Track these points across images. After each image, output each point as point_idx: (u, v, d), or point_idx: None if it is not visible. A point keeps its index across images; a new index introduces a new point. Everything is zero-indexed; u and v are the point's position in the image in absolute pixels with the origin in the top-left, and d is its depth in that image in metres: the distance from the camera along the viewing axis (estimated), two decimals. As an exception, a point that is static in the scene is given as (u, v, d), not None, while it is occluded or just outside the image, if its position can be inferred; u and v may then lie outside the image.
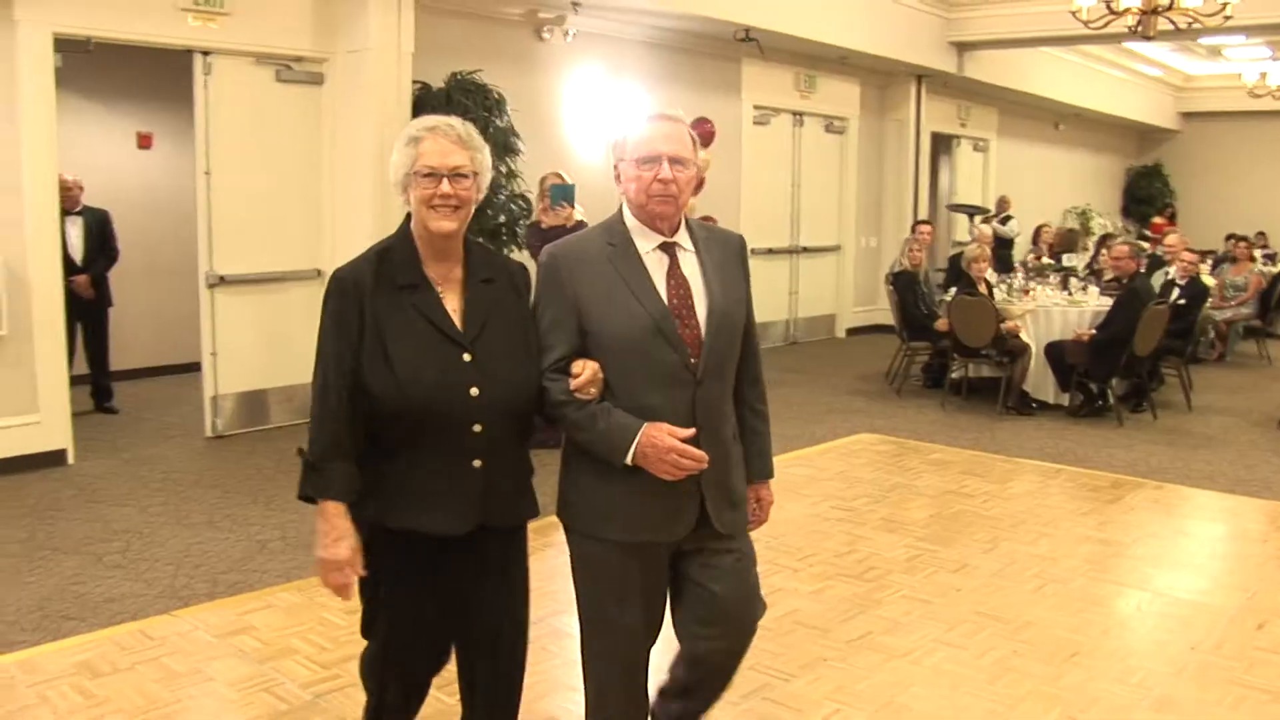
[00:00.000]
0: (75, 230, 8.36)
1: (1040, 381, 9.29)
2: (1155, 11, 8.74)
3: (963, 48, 13.69)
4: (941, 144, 16.29)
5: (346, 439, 2.53)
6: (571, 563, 2.78)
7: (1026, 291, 9.80)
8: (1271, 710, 3.76)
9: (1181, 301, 9.71)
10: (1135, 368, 8.94)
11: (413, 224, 2.65)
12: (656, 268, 2.67)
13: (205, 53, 7.63)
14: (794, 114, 13.04)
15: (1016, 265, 11.95)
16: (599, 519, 2.70)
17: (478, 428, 2.55)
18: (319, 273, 8.09)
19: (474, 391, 2.54)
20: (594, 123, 10.30)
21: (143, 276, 9.81)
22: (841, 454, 7.68)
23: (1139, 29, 9.02)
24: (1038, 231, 13.94)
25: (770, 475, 2.96)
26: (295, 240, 8.15)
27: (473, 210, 2.64)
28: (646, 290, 2.64)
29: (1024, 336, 9.17)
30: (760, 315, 11.64)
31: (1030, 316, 9.29)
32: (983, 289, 9.29)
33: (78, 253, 8.34)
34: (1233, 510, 6.45)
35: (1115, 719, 3.71)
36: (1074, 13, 9.12)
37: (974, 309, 9.04)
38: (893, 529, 5.88)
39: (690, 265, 2.71)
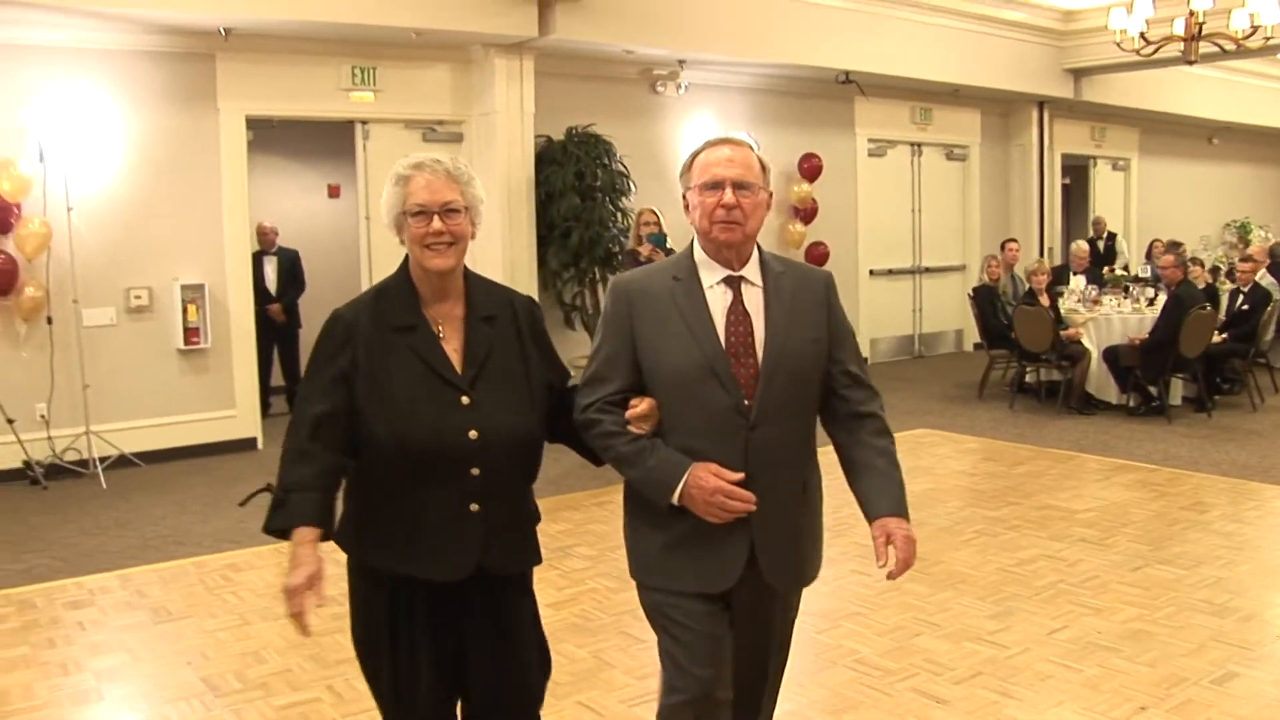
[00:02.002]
0: (271, 267, 10.43)
1: (1103, 384, 10.17)
2: (1195, 38, 9.55)
3: (1079, 74, 14.42)
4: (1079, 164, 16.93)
5: (316, 472, 2.47)
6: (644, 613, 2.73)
7: (1096, 301, 10.67)
8: None
9: (1245, 307, 10.40)
10: (1185, 368, 9.74)
11: (410, 264, 2.62)
12: (718, 303, 2.59)
13: (364, 122, 9.54)
14: (912, 145, 14.14)
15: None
16: (650, 568, 2.66)
17: (475, 471, 2.50)
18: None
19: (473, 435, 2.49)
20: (708, 162, 11.75)
21: (331, 303, 11.75)
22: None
23: (1185, 54, 9.83)
24: (1151, 246, 14.52)
25: (896, 510, 2.64)
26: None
27: (468, 245, 2.60)
28: (703, 327, 2.56)
29: (1085, 342, 10.09)
30: (883, 331, 13.30)
31: (1092, 324, 10.20)
32: (1044, 300, 10.26)
33: (273, 285, 10.40)
34: (1197, 485, 7.35)
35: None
36: (1118, 43, 10.01)
37: (1033, 317, 10.05)
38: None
39: (755, 301, 2.60)
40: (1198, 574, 5.49)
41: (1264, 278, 11.26)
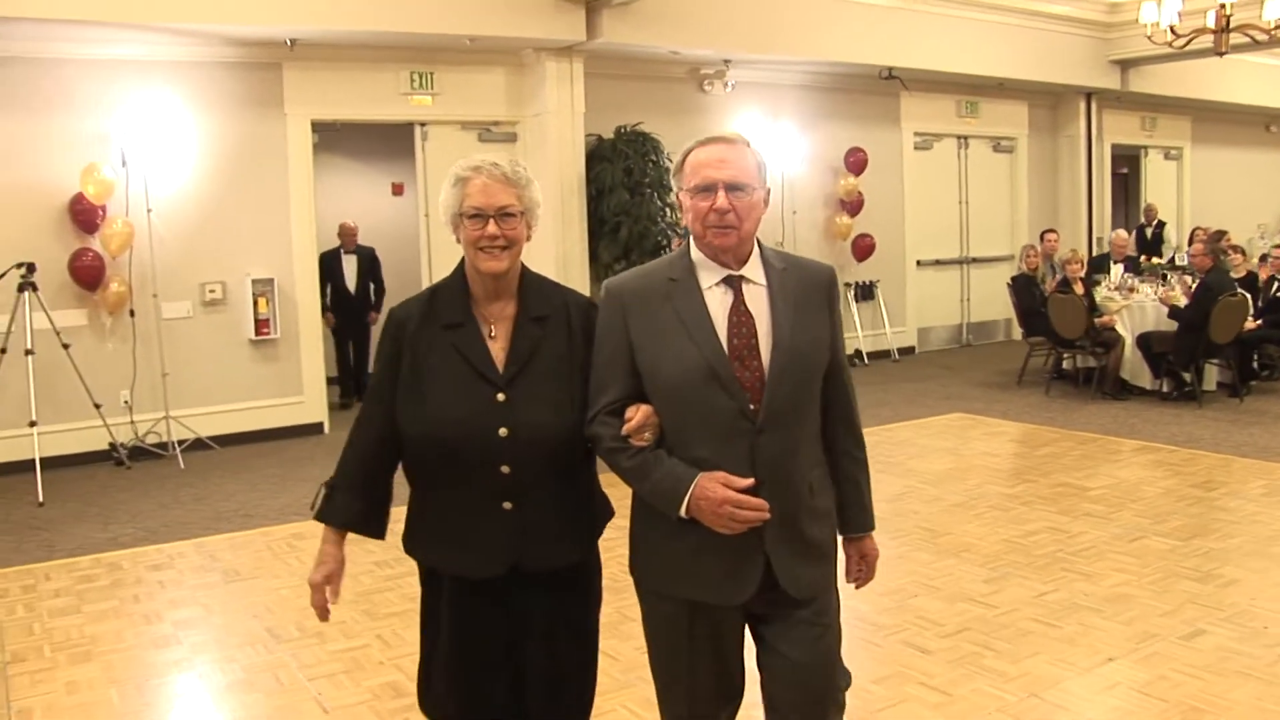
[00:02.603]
0: (351, 265, 10.99)
1: (1137, 370, 10.42)
2: (1225, 30, 9.77)
3: (1125, 65, 14.57)
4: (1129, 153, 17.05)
5: (359, 473, 2.64)
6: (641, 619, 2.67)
7: (1132, 290, 10.92)
8: None
9: (1279, 294, 10.59)
10: (1217, 354, 9.98)
11: (465, 263, 2.65)
12: (719, 304, 2.48)
13: (422, 124, 10.09)
14: (958, 137, 14.41)
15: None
16: (659, 575, 2.57)
17: (506, 469, 2.52)
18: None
19: (503, 432, 2.50)
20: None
21: (396, 296, 12.40)
22: (918, 427, 9.25)
23: (1216, 46, 10.04)
24: (1192, 235, 14.65)
25: (870, 528, 2.71)
26: (496, 264, 10.45)
27: (523, 248, 2.62)
28: (703, 329, 2.46)
29: (1119, 329, 10.36)
30: (931, 320, 13.65)
31: (1126, 311, 10.46)
32: (1078, 288, 10.54)
33: (352, 283, 10.94)
34: (1211, 465, 7.64)
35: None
36: (1149, 36, 10.25)
37: (1066, 305, 10.34)
38: (901, 472, 7.52)
39: (758, 300, 2.50)
40: (1191, 545, 5.83)
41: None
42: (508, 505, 2.53)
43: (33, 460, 7.67)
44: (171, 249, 8.86)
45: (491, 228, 2.53)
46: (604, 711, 3.78)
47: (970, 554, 5.80)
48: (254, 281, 9.21)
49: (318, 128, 9.60)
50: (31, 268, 8.02)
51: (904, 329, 13.78)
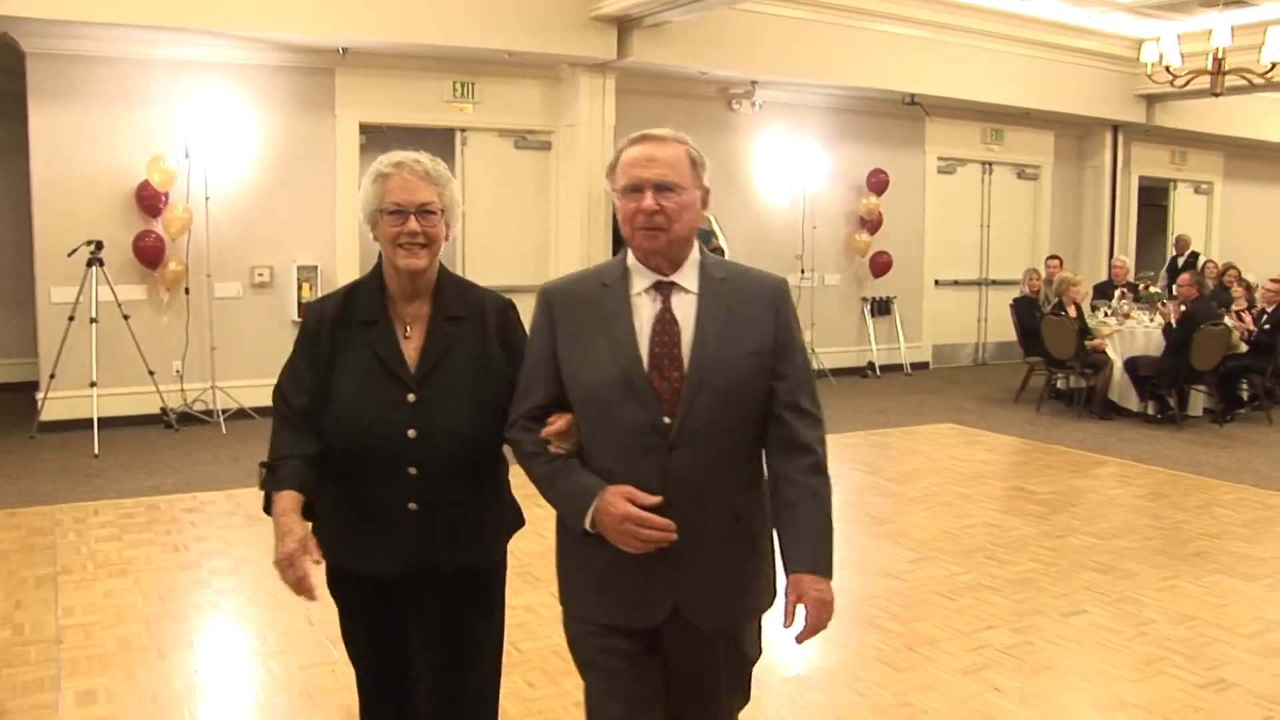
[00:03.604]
0: None
1: (1125, 392, 10.97)
2: (1219, 73, 10.30)
3: (1151, 99, 15.04)
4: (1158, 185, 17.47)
5: (295, 441, 2.57)
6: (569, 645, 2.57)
7: (1128, 315, 11.45)
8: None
9: (1267, 326, 11.08)
10: (1200, 381, 10.52)
11: (383, 262, 2.65)
12: (645, 310, 2.40)
13: (463, 130, 10.91)
14: (982, 163, 14.98)
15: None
16: (575, 595, 2.50)
17: (413, 470, 2.51)
18: (537, 286, 11.23)
19: (411, 433, 2.50)
20: (780, 177, 12.81)
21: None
22: (905, 434, 9.90)
23: (1212, 87, 10.58)
24: (1202, 267, 15.09)
25: (811, 565, 2.39)
26: (528, 261, 11.18)
27: (442, 247, 2.62)
28: (623, 336, 2.37)
29: (1110, 352, 10.92)
30: (947, 338, 14.16)
31: (1117, 336, 11.01)
32: (1072, 311, 11.11)
33: None
34: (1162, 480, 8.21)
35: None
36: (1149, 75, 10.81)
37: (1059, 327, 10.93)
38: (870, 470, 8.19)
39: (686, 309, 2.40)
40: (1109, 544, 6.45)
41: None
42: (413, 506, 2.54)
43: (91, 418, 8.58)
44: (226, 234, 9.75)
45: (411, 224, 2.54)
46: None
47: (904, 539, 6.47)
48: (299, 268, 10.08)
49: (365, 129, 10.45)
50: (100, 245, 8.92)
51: (919, 344, 14.37)
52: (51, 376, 8.90)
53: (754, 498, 2.47)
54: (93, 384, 8.72)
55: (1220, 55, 10.13)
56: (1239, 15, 12.15)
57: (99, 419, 8.59)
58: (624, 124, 11.21)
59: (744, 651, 2.57)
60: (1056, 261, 12.94)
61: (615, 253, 8.84)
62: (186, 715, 4.05)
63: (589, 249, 11.04)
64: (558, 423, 2.40)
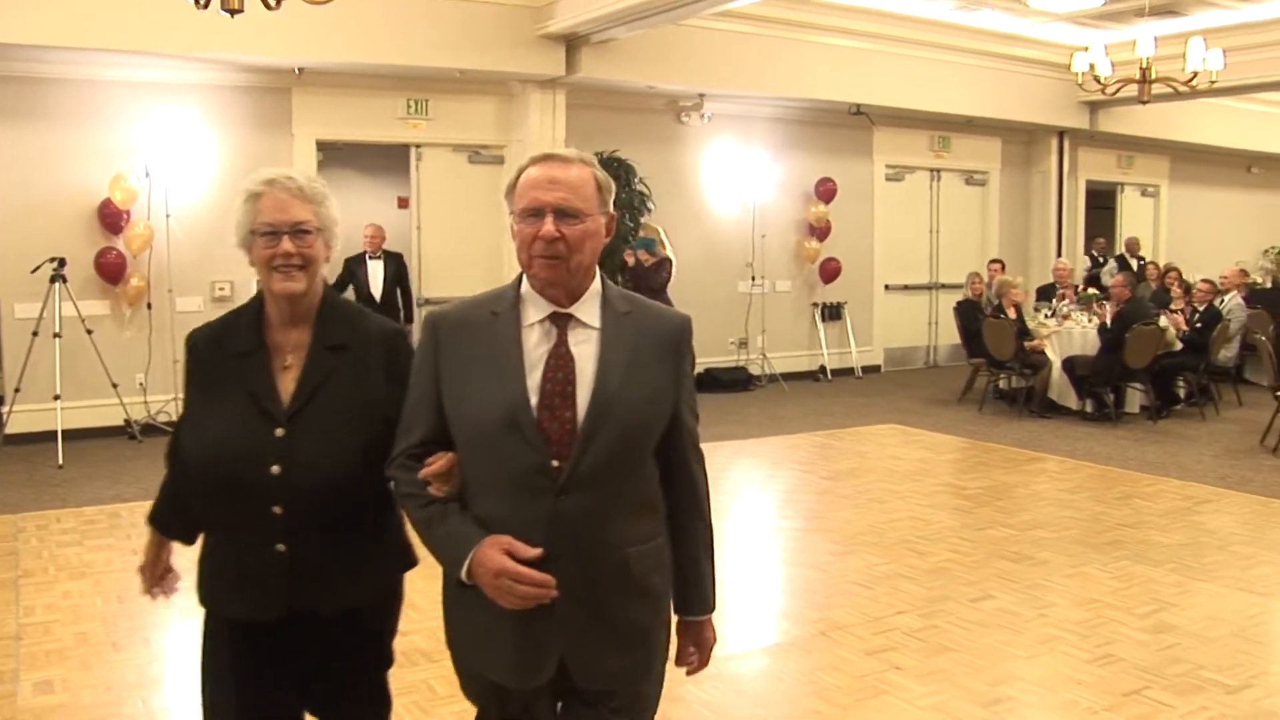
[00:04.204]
0: (376, 270, 11.50)
1: (1064, 391, 11.36)
2: (1147, 81, 10.70)
3: (1094, 106, 15.46)
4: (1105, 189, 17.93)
5: (176, 481, 2.57)
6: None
7: (1067, 316, 11.85)
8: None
9: (1199, 325, 11.50)
10: (1134, 379, 10.92)
11: (262, 287, 2.49)
12: (539, 344, 2.24)
13: (417, 145, 11.23)
14: (931, 171, 15.38)
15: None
16: (457, 644, 2.37)
17: (278, 509, 2.36)
18: (493, 296, 11.53)
19: (275, 470, 2.35)
20: (730, 186, 13.15)
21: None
22: (847, 435, 10.25)
23: (1139, 95, 10.99)
24: (1144, 268, 15.54)
25: (708, 611, 2.42)
26: (480, 272, 11.47)
27: (321, 268, 2.47)
28: (511, 370, 2.21)
29: (1048, 353, 11.31)
30: (898, 341, 14.52)
31: (1056, 336, 11.40)
32: (1011, 313, 11.50)
33: (378, 289, 11.03)
34: (1089, 474, 8.59)
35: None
36: (1080, 84, 11.24)
37: (998, 329, 11.32)
38: (806, 469, 8.54)
39: (584, 344, 2.24)
40: (1028, 535, 6.80)
41: (1233, 298, 12.32)
42: (281, 547, 2.38)
43: (55, 430, 8.84)
44: (186, 250, 10.02)
45: (286, 244, 2.38)
46: None
47: (831, 534, 6.81)
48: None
49: (322, 146, 10.75)
50: (62, 262, 9.19)
51: (870, 348, 14.75)
52: (16, 390, 9.15)
53: (651, 548, 2.31)
54: (56, 397, 8.97)
55: (1144, 65, 10.52)
56: (1170, 25, 12.63)
57: (63, 431, 8.85)
58: (574, 137, 11.54)
59: (642, 712, 2.40)
60: (999, 265, 13.35)
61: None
62: (140, 704, 4.34)
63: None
64: (437, 462, 2.24)
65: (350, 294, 10.78)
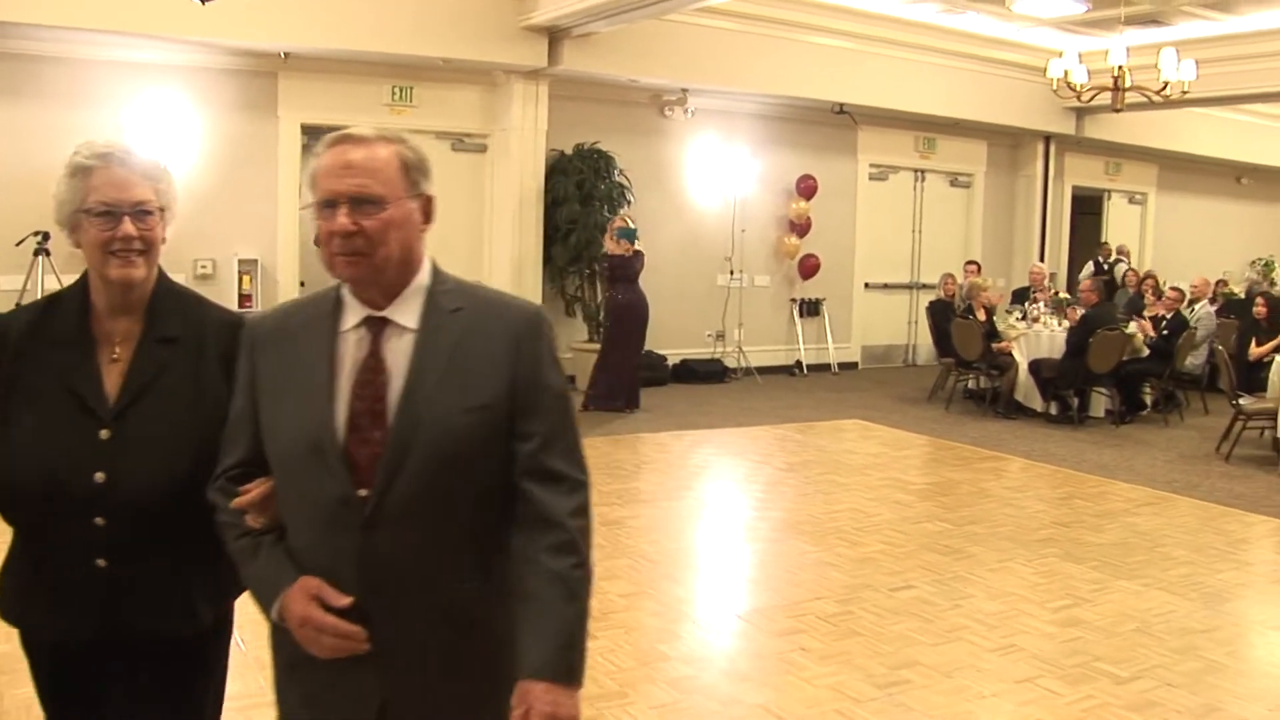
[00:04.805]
0: None
1: (1030, 393, 11.55)
2: (1120, 89, 10.87)
3: (1081, 111, 15.60)
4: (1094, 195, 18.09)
5: None
6: None
7: (1036, 319, 12.03)
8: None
9: (1166, 332, 11.67)
10: (1099, 382, 11.11)
11: (90, 272, 2.22)
12: (351, 353, 1.96)
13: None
14: (915, 171, 15.56)
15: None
16: (278, 682, 2.10)
17: (100, 520, 2.11)
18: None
19: (99, 477, 2.09)
20: (712, 181, 13.34)
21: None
22: (811, 429, 10.45)
23: (1113, 103, 11.17)
24: (1123, 276, 15.70)
25: (549, 674, 1.88)
26: (464, 260, 11.66)
27: (159, 253, 2.22)
28: (316, 385, 1.94)
29: (1016, 354, 11.49)
30: (877, 339, 14.73)
31: (1024, 339, 11.59)
32: (981, 315, 11.69)
33: None
34: (1040, 474, 8.79)
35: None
36: (1055, 91, 11.42)
37: (966, 330, 11.52)
38: (761, 460, 8.75)
39: (400, 351, 1.95)
40: (963, 530, 7.01)
41: (1202, 307, 12.49)
42: (102, 563, 2.13)
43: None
44: (170, 228, 10.19)
45: (128, 227, 2.14)
46: None
47: (769, 522, 7.03)
48: (240, 261, 10.58)
49: (306, 130, 10.95)
50: (46, 236, 9.38)
51: (848, 345, 14.95)
52: (-3, 360, 9.36)
53: (489, 589, 1.99)
54: (35, 368, 9.19)
55: (1116, 74, 10.68)
56: (1153, 35, 12.78)
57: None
58: (557, 128, 11.77)
59: None
60: (974, 267, 13.53)
61: (546, 253, 9.18)
62: None
63: (520, 249, 11.55)
64: (253, 491, 2.00)
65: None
